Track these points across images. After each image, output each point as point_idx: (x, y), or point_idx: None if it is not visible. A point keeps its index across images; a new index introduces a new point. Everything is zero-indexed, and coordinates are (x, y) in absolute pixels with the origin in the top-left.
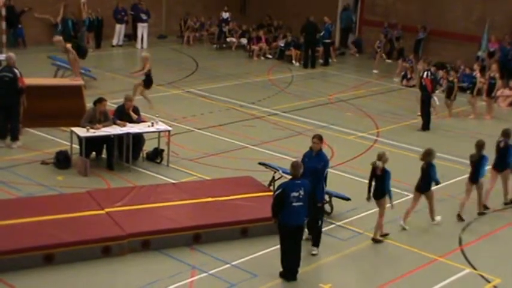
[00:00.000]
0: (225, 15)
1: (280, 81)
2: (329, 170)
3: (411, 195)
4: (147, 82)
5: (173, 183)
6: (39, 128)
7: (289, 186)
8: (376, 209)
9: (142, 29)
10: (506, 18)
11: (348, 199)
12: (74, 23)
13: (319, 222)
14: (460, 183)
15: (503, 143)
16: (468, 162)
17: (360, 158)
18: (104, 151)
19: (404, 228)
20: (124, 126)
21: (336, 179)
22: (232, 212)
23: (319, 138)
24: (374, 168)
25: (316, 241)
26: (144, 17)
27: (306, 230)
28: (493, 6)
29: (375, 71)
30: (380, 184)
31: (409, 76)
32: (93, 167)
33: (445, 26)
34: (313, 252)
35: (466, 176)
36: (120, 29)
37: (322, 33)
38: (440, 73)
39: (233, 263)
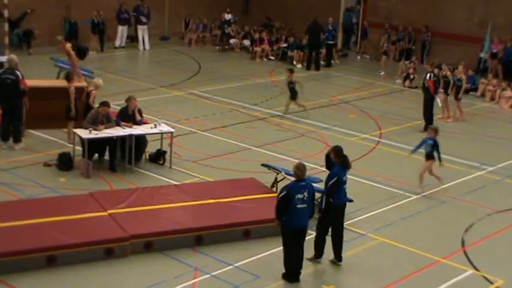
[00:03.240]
0: (228, 16)
1: (283, 83)
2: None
3: (414, 196)
4: None
5: (176, 185)
6: (41, 129)
7: (293, 188)
8: (378, 211)
9: (142, 31)
10: (509, 19)
11: (350, 200)
12: (72, 24)
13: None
14: (463, 185)
15: None
16: (472, 164)
17: (362, 160)
18: (107, 153)
19: None
20: (131, 127)
21: None
22: (235, 213)
23: (332, 150)
24: None
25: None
26: (143, 19)
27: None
28: (496, 8)
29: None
30: None
31: (412, 77)
32: (96, 169)
33: (447, 27)
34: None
35: (470, 176)
36: (122, 30)
37: (326, 35)
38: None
39: (236, 265)
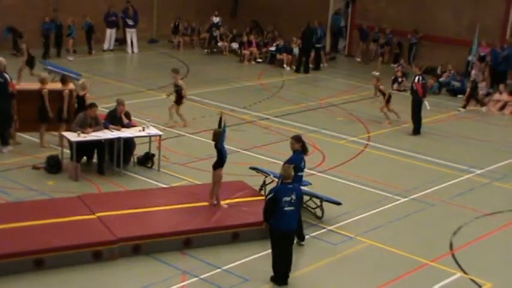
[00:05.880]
0: (216, 19)
1: (271, 86)
2: (319, 174)
3: (403, 200)
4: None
5: (164, 188)
6: (30, 132)
7: (281, 190)
8: (366, 214)
9: (130, 34)
10: (497, 23)
11: (338, 203)
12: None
13: None
14: (452, 188)
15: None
16: (461, 167)
17: (350, 163)
18: (95, 156)
19: None
20: (119, 130)
21: (327, 183)
22: (224, 216)
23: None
24: None
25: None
26: (130, 22)
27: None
28: (483, 11)
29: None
30: None
31: (400, 80)
32: (84, 172)
33: (436, 30)
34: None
35: (458, 179)
36: (110, 33)
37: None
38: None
39: (224, 268)
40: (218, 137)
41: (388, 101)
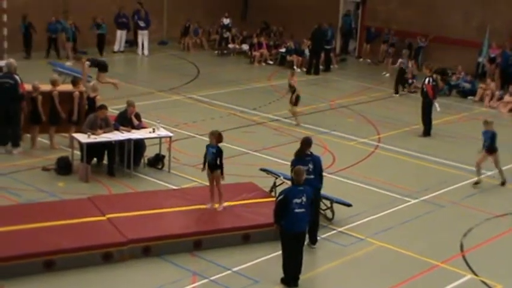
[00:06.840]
0: (226, 21)
1: (282, 87)
2: (329, 175)
3: (413, 201)
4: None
5: (174, 189)
6: (40, 133)
7: (291, 192)
8: (377, 215)
9: (142, 36)
10: (506, 24)
11: (349, 205)
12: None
13: None
14: (462, 189)
15: None
16: (471, 168)
17: (361, 164)
18: (105, 157)
19: None
20: (129, 131)
21: (337, 184)
22: (234, 217)
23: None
24: None
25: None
26: (142, 24)
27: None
28: (493, 13)
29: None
30: None
31: (410, 82)
32: (94, 173)
33: (445, 32)
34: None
35: (468, 181)
36: (121, 35)
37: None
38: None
39: (234, 269)
40: (210, 138)
41: (296, 101)
